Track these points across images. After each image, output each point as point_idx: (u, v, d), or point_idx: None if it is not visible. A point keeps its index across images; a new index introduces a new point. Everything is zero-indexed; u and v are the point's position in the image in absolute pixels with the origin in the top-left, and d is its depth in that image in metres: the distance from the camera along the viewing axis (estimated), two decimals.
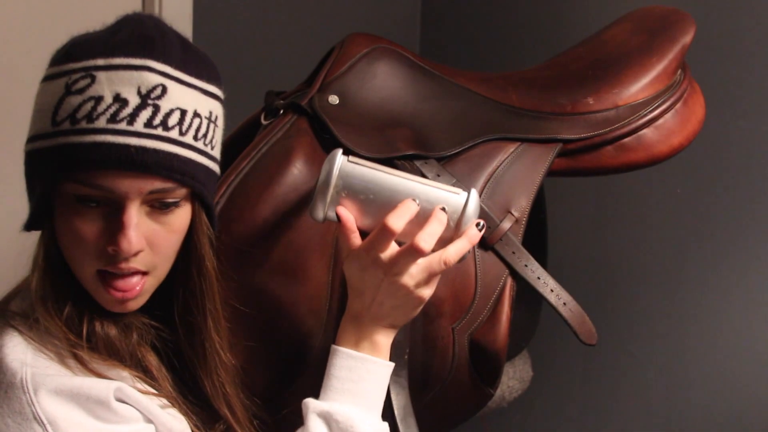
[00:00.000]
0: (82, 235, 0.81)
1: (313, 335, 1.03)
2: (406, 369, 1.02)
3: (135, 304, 0.86)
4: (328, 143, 1.06)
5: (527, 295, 1.13)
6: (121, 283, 0.83)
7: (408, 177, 0.94)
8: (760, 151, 1.51)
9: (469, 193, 0.94)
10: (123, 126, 0.78)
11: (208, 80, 0.85)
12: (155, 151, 0.79)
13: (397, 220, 0.89)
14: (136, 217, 0.80)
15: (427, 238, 0.89)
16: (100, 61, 0.79)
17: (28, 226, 0.85)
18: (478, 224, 0.93)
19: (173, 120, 0.80)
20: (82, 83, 0.79)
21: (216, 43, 1.79)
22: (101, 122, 0.77)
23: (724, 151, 1.55)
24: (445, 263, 0.90)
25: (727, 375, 1.57)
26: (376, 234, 0.90)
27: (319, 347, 1.03)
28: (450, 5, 2.13)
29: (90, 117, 0.78)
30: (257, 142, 1.06)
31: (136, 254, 0.81)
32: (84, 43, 0.81)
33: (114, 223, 0.80)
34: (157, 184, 0.80)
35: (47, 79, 0.82)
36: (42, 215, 0.84)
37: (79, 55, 0.80)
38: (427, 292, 0.93)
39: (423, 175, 1.05)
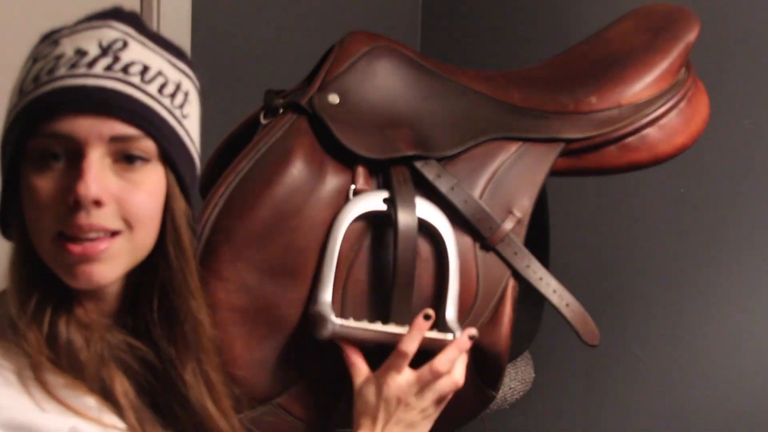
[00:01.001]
0: (42, 195, 0.76)
1: (311, 338, 1.02)
2: None
3: (102, 272, 0.78)
4: (327, 143, 1.05)
5: (529, 296, 1.12)
6: (80, 246, 0.76)
7: (399, 331, 0.98)
8: (765, 150, 1.50)
9: (454, 336, 0.99)
10: (82, 70, 0.77)
11: (178, 57, 0.84)
12: (114, 91, 0.76)
13: (411, 344, 0.96)
14: (97, 163, 0.76)
15: (446, 364, 0.97)
16: (65, 31, 0.81)
17: (1, 225, 0.83)
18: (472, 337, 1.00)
19: (135, 69, 0.78)
20: (46, 50, 0.80)
21: (215, 41, 1.79)
22: (60, 71, 0.77)
23: (729, 151, 1.54)
24: (457, 385, 0.98)
25: (730, 375, 1.56)
26: (392, 360, 0.96)
27: (317, 351, 1.02)
28: (451, 3, 2.12)
29: (50, 71, 0.78)
30: (256, 142, 1.05)
31: (98, 206, 0.75)
32: (55, 28, 0.83)
33: (74, 173, 0.76)
34: (118, 128, 0.76)
35: (21, 69, 0.83)
36: (12, 204, 0.80)
37: (48, 35, 0.82)
38: (439, 409, 0.99)
39: (423, 177, 1.04)
